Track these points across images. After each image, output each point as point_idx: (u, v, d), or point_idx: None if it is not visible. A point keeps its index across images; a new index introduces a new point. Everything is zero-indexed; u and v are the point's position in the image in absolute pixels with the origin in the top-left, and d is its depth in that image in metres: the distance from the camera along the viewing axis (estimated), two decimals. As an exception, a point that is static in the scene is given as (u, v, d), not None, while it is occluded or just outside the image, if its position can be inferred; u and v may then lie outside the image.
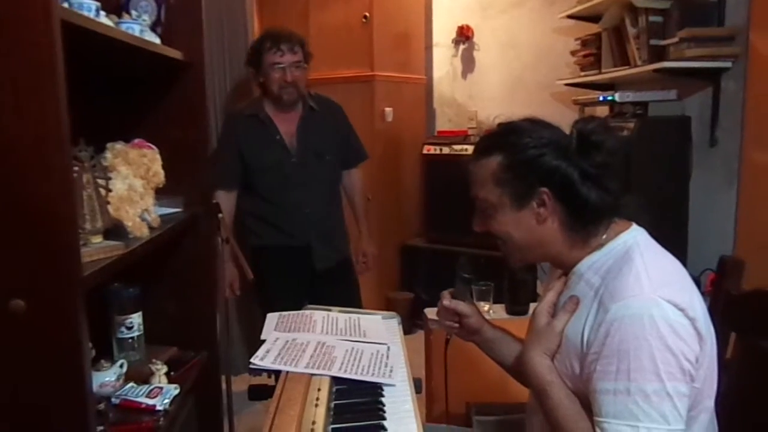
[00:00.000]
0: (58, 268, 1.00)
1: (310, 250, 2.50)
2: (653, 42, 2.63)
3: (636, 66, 2.75)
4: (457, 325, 1.38)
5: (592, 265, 1.10)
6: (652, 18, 2.65)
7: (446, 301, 1.36)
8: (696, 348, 0.99)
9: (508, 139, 1.13)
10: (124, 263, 1.17)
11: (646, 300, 0.98)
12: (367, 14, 3.62)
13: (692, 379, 0.99)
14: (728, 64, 2.46)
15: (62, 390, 1.03)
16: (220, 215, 2.11)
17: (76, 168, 1.07)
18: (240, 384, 2.18)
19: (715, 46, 2.44)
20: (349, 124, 2.67)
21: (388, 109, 3.76)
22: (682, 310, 0.98)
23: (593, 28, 3.23)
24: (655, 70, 2.55)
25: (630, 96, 2.69)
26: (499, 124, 1.18)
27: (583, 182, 1.07)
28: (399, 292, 3.87)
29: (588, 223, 1.10)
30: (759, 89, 2.36)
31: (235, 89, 3.02)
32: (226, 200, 2.44)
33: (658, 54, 2.61)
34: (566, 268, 1.17)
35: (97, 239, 1.16)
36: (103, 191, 1.15)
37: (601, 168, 1.07)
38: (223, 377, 1.91)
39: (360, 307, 2.62)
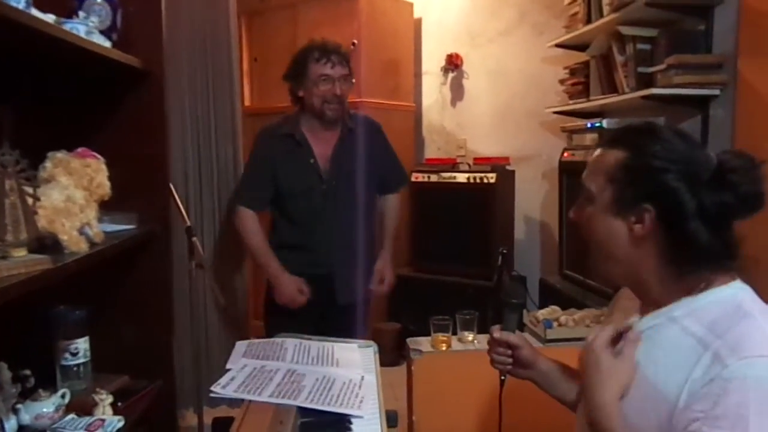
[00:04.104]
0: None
1: (333, 280, 2.32)
2: (641, 69, 2.61)
3: (624, 93, 2.72)
4: (510, 360, 1.26)
5: (692, 311, 0.96)
6: (639, 45, 2.64)
7: (496, 333, 1.26)
8: None
9: (640, 139, 1.01)
10: (50, 280, 1.07)
11: None
12: (356, 41, 3.61)
13: None
14: (716, 92, 2.43)
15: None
16: (193, 239, 2.04)
17: (-2, 174, 0.99)
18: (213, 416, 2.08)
19: (703, 74, 2.42)
20: (389, 146, 2.51)
21: (376, 136, 3.72)
22: None
23: (581, 56, 3.23)
24: (643, 97, 2.53)
25: (617, 123, 2.66)
26: (646, 122, 1.06)
27: (696, 218, 0.94)
28: (386, 322, 3.77)
29: (685, 263, 0.97)
30: (747, 117, 2.33)
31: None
32: (251, 217, 2.31)
33: (646, 81, 2.59)
34: (648, 301, 1.04)
35: (20, 252, 1.07)
36: (30, 200, 1.07)
37: (725, 211, 0.94)
38: (189, 409, 1.80)
39: None
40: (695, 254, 0.96)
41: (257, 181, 2.32)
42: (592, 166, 1.06)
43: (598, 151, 1.06)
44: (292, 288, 2.26)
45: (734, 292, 0.96)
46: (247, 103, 4.05)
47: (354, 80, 2.32)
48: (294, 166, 2.30)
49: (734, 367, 0.86)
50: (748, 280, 0.99)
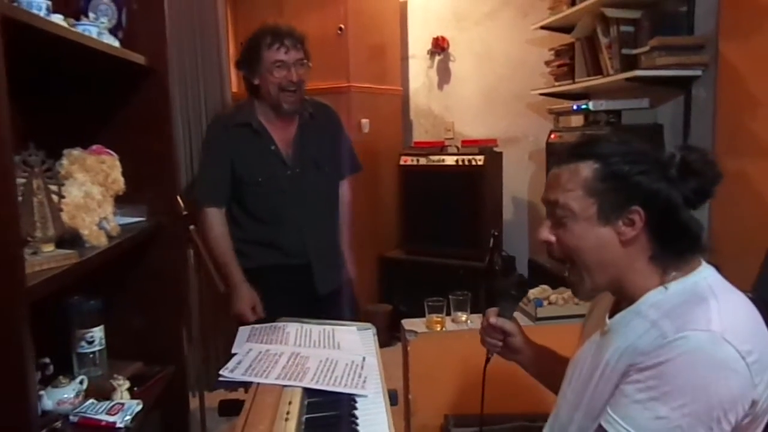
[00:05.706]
0: (-1, 278, 0.92)
1: (311, 270, 2.22)
2: (625, 51, 2.66)
3: (609, 75, 2.78)
4: (501, 344, 1.33)
5: (656, 303, 1.02)
6: (623, 28, 2.68)
7: (492, 318, 1.32)
8: (746, 400, 0.92)
9: (600, 148, 1.05)
10: (77, 273, 1.12)
11: (709, 337, 0.92)
12: (342, 26, 3.62)
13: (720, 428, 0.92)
14: (698, 72, 2.49)
15: (4, 412, 0.96)
16: (191, 227, 2.07)
17: (25, 173, 1.03)
18: (215, 400, 2.12)
19: (686, 55, 2.48)
20: (345, 132, 2.44)
21: (364, 121, 3.75)
22: (743, 357, 0.92)
23: (566, 38, 3.27)
24: (628, 79, 2.58)
25: (603, 105, 2.72)
26: (592, 135, 1.11)
27: (685, 208, 1.01)
28: (377, 304, 3.83)
29: (684, 252, 1.03)
30: (729, 97, 2.40)
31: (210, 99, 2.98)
32: (218, 219, 2.17)
33: (630, 63, 2.64)
34: (625, 298, 1.09)
35: (49, 248, 1.12)
36: (55, 198, 1.11)
37: (701, 195, 1.02)
38: (194, 393, 1.85)
39: None
40: (683, 241, 1.02)
41: (219, 174, 2.17)
42: (559, 182, 1.07)
43: (562, 168, 1.07)
44: (246, 303, 2.15)
45: (696, 280, 1.02)
46: (234, 89, 4.04)
47: (311, 64, 2.19)
48: (254, 154, 2.18)
49: (671, 338, 0.94)
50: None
